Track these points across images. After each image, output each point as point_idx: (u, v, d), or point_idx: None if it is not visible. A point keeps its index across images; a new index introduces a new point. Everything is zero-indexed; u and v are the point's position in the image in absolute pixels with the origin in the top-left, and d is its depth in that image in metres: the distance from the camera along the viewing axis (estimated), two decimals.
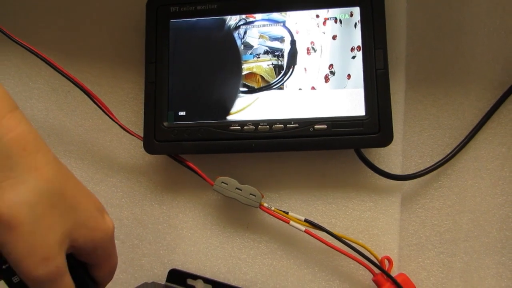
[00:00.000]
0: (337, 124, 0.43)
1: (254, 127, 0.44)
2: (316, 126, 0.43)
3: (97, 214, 0.32)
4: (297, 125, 0.43)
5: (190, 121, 0.45)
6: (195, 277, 0.46)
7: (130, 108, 0.49)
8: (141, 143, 0.48)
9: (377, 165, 0.44)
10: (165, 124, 0.45)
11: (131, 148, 0.49)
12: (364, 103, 0.43)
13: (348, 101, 0.43)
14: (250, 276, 0.46)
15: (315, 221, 0.44)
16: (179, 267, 0.47)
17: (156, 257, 0.47)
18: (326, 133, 0.43)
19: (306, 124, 0.43)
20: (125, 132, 0.49)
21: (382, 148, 0.46)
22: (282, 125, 0.43)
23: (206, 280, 0.46)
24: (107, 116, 0.49)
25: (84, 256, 0.32)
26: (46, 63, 0.44)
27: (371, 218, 0.45)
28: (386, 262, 0.44)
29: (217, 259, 0.47)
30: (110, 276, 0.35)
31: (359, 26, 0.44)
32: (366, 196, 0.46)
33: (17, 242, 0.28)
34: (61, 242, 0.29)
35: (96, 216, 0.32)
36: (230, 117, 0.45)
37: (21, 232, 0.28)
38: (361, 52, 0.43)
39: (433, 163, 0.46)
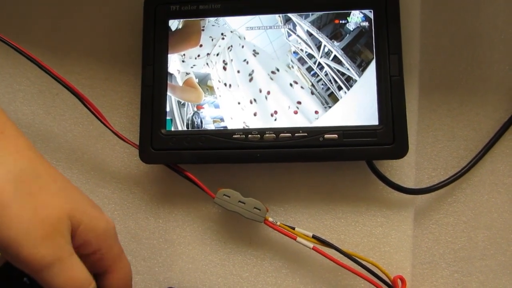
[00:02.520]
0: (348, 134, 0.40)
1: (259, 135, 0.41)
2: (326, 136, 0.40)
3: (95, 207, 0.30)
4: (305, 134, 0.40)
5: (190, 128, 0.42)
6: None
7: (125, 113, 0.46)
8: (136, 152, 0.45)
9: (389, 178, 0.42)
10: (163, 131, 0.42)
11: (125, 157, 0.45)
12: (377, 112, 0.40)
13: (360, 109, 0.41)
14: None
15: (323, 237, 0.41)
16: (176, 286, 0.43)
17: (151, 274, 0.44)
18: (337, 143, 0.40)
19: (316, 133, 0.40)
20: (118, 139, 0.45)
21: (394, 161, 0.43)
22: (290, 134, 0.40)
23: None
24: (99, 122, 0.45)
25: (89, 253, 0.29)
26: (33, 62, 0.41)
27: (382, 234, 0.42)
28: (399, 281, 0.41)
29: (217, 277, 0.43)
30: (125, 284, 0.32)
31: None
32: (377, 211, 0.43)
33: (10, 223, 0.25)
34: (60, 220, 0.27)
35: (93, 207, 0.30)
36: (233, 125, 0.42)
37: (11, 212, 0.25)
38: (373, 58, 0.41)
39: (447, 177, 0.43)
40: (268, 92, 0.42)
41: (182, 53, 0.43)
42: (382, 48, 0.41)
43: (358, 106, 0.41)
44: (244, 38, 0.43)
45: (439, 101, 0.44)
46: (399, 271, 0.42)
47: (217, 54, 0.43)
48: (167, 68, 0.43)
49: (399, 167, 0.43)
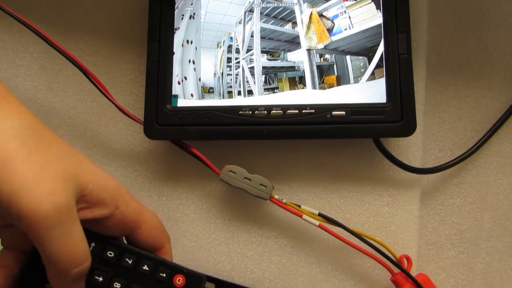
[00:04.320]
0: (356, 111, 0.40)
1: (266, 112, 0.40)
2: (334, 113, 0.40)
3: (99, 168, 0.29)
4: (313, 111, 0.40)
5: (195, 104, 0.41)
6: None
7: (128, 91, 0.45)
8: (139, 129, 0.44)
9: (396, 157, 0.42)
10: (168, 107, 0.41)
11: (128, 134, 0.45)
12: (385, 90, 0.40)
13: (367, 87, 0.40)
14: (257, 274, 0.42)
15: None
16: (180, 264, 0.42)
17: None
18: (345, 120, 0.40)
19: (323, 110, 0.40)
20: (122, 116, 0.44)
21: (401, 140, 0.43)
22: (297, 111, 0.40)
23: (209, 278, 0.41)
24: (102, 98, 0.45)
25: (110, 215, 0.28)
26: (37, 34, 0.40)
27: (388, 214, 0.42)
28: (405, 261, 0.41)
29: (221, 255, 0.43)
30: (159, 235, 0.31)
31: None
32: (384, 190, 0.42)
33: (14, 177, 0.24)
34: (65, 179, 0.26)
35: (98, 168, 0.29)
36: (240, 101, 0.41)
37: (15, 166, 0.24)
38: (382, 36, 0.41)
39: (453, 158, 0.43)
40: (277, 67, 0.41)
41: None
42: (390, 26, 0.41)
43: (366, 83, 0.40)
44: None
45: (446, 82, 0.44)
46: (405, 251, 0.41)
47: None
48: (173, 44, 0.42)
49: (406, 147, 0.43)
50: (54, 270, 0.26)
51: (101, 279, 0.29)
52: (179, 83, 0.42)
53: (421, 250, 0.42)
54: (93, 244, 0.29)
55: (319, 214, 0.41)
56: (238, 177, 0.41)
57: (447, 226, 0.43)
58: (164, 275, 0.30)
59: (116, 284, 0.29)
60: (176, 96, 0.42)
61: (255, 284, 0.42)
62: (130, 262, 0.29)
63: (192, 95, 0.42)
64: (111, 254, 0.29)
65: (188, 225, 0.43)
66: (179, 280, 0.30)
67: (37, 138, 0.26)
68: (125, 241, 0.32)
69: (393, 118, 0.39)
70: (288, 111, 0.40)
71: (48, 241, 0.24)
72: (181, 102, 0.42)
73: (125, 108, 0.42)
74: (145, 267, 0.30)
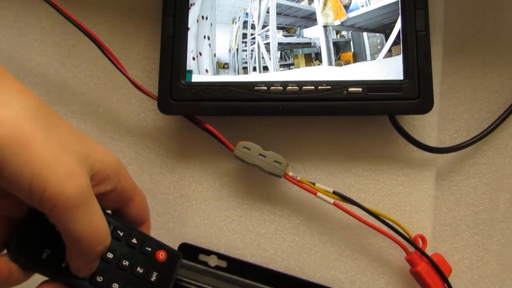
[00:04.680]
0: (373, 88, 0.39)
1: (282, 88, 0.40)
2: (350, 89, 0.39)
3: (100, 145, 0.29)
4: (329, 87, 0.39)
5: (210, 80, 0.41)
6: (208, 252, 0.42)
7: (142, 67, 0.45)
8: (152, 105, 0.44)
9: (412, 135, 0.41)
10: (183, 82, 0.41)
11: (141, 111, 0.44)
12: (402, 67, 0.40)
13: (384, 64, 0.40)
14: (269, 253, 0.42)
15: None
16: (191, 242, 0.42)
17: (165, 230, 0.43)
18: (361, 97, 0.39)
19: (340, 86, 0.39)
20: (135, 92, 0.44)
21: (416, 120, 0.42)
22: (313, 87, 0.40)
23: (221, 256, 0.41)
24: (115, 74, 0.44)
25: (111, 190, 0.29)
26: (53, 6, 0.40)
27: (403, 194, 0.42)
28: (420, 241, 0.40)
29: (233, 233, 0.42)
30: (145, 209, 0.32)
31: None
32: (399, 170, 0.42)
33: (35, 159, 0.24)
34: (80, 160, 0.25)
35: (99, 145, 0.29)
36: (255, 77, 0.41)
37: (34, 148, 0.24)
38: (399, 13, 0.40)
39: (469, 138, 0.43)
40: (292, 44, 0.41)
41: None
42: (408, 3, 0.40)
43: (382, 60, 0.40)
44: None
45: (462, 62, 0.44)
46: (420, 231, 0.41)
47: None
48: (187, 19, 0.42)
49: (421, 127, 0.42)
50: (77, 250, 0.26)
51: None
52: (193, 59, 0.41)
53: (435, 231, 0.42)
54: None
55: (334, 192, 0.40)
56: (253, 153, 0.40)
57: (462, 207, 0.43)
58: (149, 249, 0.32)
59: (109, 254, 0.30)
60: (190, 72, 0.41)
61: (268, 262, 0.42)
62: (121, 234, 0.31)
63: (207, 70, 0.41)
64: None
65: (200, 203, 0.43)
66: (161, 255, 0.32)
67: (47, 118, 0.26)
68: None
69: (410, 95, 0.39)
70: (304, 87, 0.40)
71: (73, 221, 0.24)
72: (196, 78, 0.41)
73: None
74: (134, 240, 0.31)
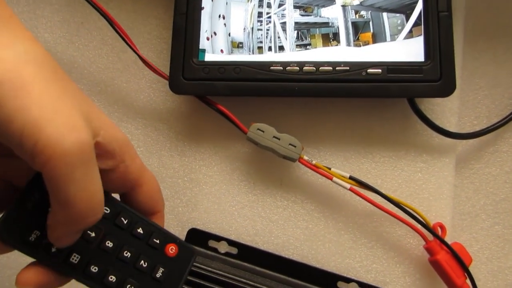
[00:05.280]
0: (393, 69, 0.38)
1: (298, 68, 0.38)
2: (370, 70, 0.38)
3: (106, 116, 0.26)
4: (347, 68, 0.38)
5: (224, 59, 0.40)
6: (218, 238, 0.40)
7: (153, 47, 0.43)
8: (162, 86, 0.43)
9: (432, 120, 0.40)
10: (195, 60, 0.39)
11: (150, 91, 0.43)
12: (423, 48, 0.38)
13: (405, 45, 0.39)
14: (281, 240, 0.40)
15: None
16: (200, 227, 0.41)
17: (174, 214, 0.41)
18: (381, 78, 0.38)
19: (358, 67, 0.38)
20: (145, 72, 0.43)
21: (436, 105, 0.41)
22: (331, 68, 0.38)
23: (231, 243, 0.40)
24: (125, 54, 0.44)
25: (113, 167, 0.26)
26: None
27: (422, 180, 0.40)
28: (439, 229, 0.39)
29: (245, 219, 0.41)
30: (156, 198, 0.29)
31: None
32: (417, 156, 0.41)
33: (31, 104, 0.21)
34: (84, 119, 0.22)
35: (105, 115, 0.26)
36: (270, 56, 0.39)
37: (31, 93, 0.21)
38: None
39: (490, 125, 0.41)
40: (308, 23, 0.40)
41: None
42: None
43: (403, 41, 0.39)
44: None
45: (484, 47, 0.43)
46: (438, 220, 0.39)
47: None
48: None
49: (441, 112, 0.41)
50: (64, 216, 0.22)
51: (93, 234, 0.27)
52: (208, 38, 0.40)
53: (454, 220, 0.41)
54: None
55: (350, 177, 0.39)
56: (267, 135, 0.39)
57: (482, 196, 0.41)
58: (158, 241, 0.28)
59: (108, 243, 0.27)
60: (203, 51, 0.40)
61: (280, 250, 0.40)
62: (125, 222, 0.28)
63: (222, 51, 0.40)
64: (107, 210, 0.27)
65: (210, 187, 0.41)
66: (171, 249, 0.28)
67: (53, 70, 0.24)
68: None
69: (432, 77, 0.38)
70: (321, 67, 0.38)
71: (67, 182, 0.21)
72: (209, 57, 0.40)
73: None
74: (140, 230, 0.28)
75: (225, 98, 0.40)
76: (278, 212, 0.41)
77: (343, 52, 0.39)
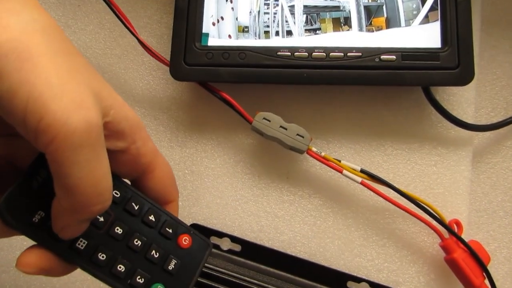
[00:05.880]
0: (408, 56, 0.36)
1: (307, 54, 0.36)
2: (383, 57, 0.36)
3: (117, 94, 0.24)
4: (360, 54, 0.36)
5: (228, 44, 0.37)
6: (220, 234, 0.38)
7: (153, 32, 0.41)
8: (162, 74, 0.41)
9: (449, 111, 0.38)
10: (198, 45, 0.37)
11: (150, 79, 0.41)
12: (440, 33, 0.36)
13: (420, 30, 0.36)
14: (288, 236, 0.38)
15: None
16: (201, 222, 0.38)
17: None
18: (395, 65, 0.36)
19: (371, 53, 0.36)
20: (144, 59, 0.41)
21: (451, 95, 0.39)
22: (342, 54, 0.36)
23: (234, 239, 0.38)
24: (123, 39, 0.41)
25: (124, 149, 0.24)
26: None
27: (436, 175, 0.38)
28: (455, 226, 0.37)
29: (249, 214, 0.38)
30: (170, 186, 0.27)
31: None
32: (432, 149, 0.38)
33: (37, 77, 0.19)
34: (93, 95, 0.21)
35: (116, 93, 0.24)
36: (277, 41, 0.37)
37: (38, 65, 0.19)
38: None
39: (507, 117, 0.39)
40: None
41: None
42: None
43: (418, 27, 0.36)
44: None
45: (501, 35, 0.40)
46: (454, 216, 0.37)
47: None
48: None
49: (457, 103, 0.39)
50: (69, 204, 0.21)
51: (102, 219, 0.25)
52: (213, 24, 0.38)
53: (470, 216, 0.38)
54: None
55: (362, 171, 0.36)
56: (273, 125, 0.37)
57: (500, 192, 0.39)
58: (170, 230, 0.26)
59: (117, 229, 0.25)
60: (206, 35, 0.38)
61: (286, 247, 0.38)
62: (136, 207, 0.26)
63: (229, 36, 0.38)
64: (117, 194, 0.25)
65: (213, 180, 0.39)
66: (185, 240, 0.26)
67: (62, 41, 0.22)
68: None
69: (449, 64, 0.35)
70: (332, 53, 0.36)
71: (72, 164, 0.19)
72: (213, 41, 0.38)
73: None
74: (151, 217, 0.26)
75: (229, 85, 0.38)
76: (284, 207, 0.38)
77: (355, 38, 0.37)
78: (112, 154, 0.23)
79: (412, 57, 0.36)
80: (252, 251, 0.37)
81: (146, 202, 0.26)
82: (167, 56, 0.38)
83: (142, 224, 0.26)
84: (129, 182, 0.27)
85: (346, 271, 0.37)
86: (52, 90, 0.19)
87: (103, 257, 0.24)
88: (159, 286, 0.25)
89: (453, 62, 0.35)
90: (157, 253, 0.25)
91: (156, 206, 0.26)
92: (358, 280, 0.37)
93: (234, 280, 0.36)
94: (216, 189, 0.39)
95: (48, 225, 0.23)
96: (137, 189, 0.26)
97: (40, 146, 0.19)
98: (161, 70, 0.40)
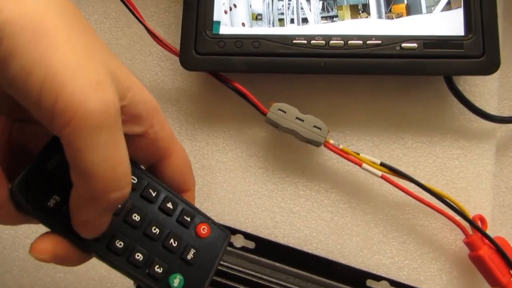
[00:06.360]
0: (430, 44, 0.34)
1: (324, 42, 0.35)
2: (404, 45, 0.34)
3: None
4: (379, 42, 0.34)
5: (241, 32, 0.36)
6: (233, 231, 0.36)
7: (160, 22, 0.40)
8: (171, 65, 0.39)
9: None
10: (209, 33, 0.35)
11: (158, 70, 0.39)
12: (463, 20, 0.34)
13: (442, 18, 0.35)
14: (304, 233, 0.36)
15: None
16: (213, 219, 0.36)
17: None
18: (416, 54, 0.34)
19: (392, 41, 0.34)
20: (151, 49, 0.39)
21: (474, 86, 0.37)
22: (361, 42, 0.34)
23: (248, 236, 0.36)
24: (129, 29, 0.40)
25: (142, 133, 0.23)
26: None
27: (458, 169, 0.36)
28: (479, 222, 0.35)
29: (263, 210, 0.37)
30: (186, 173, 0.26)
31: None
32: (454, 141, 0.37)
33: (51, 56, 0.18)
34: (110, 76, 0.19)
35: (133, 75, 0.23)
36: (293, 29, 0.35)
37: (54, 42, 0.18)
38: None
39: None
40: None
41: None
42: None
43: (440, 14, 0.35)
44: None
45: None
46: (477, 212, 0.36)
47: None
48: None
49: (479, 94, 0.37)
50: (87, 191, 0.19)
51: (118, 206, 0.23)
52: (226, 12, 0.36)
53: (493, 212, 0.37)
54: None
55: (382, 164, 0.35)
56: (289, 116, 0.35)
57: None
58: (188, 219, 0.25)
59: (134, 216, 0.24)
60: (218, 23, 0.36)
61: (302, 244, 0.36)
62: (153, 194, 0.24)
63: (243, 24, 0.36)
64: (134, 180, 0.24)
65: (225, 175, 0.37)
66: (203, 229, 0.25)
67: (77, 16, 0.20)
68: None
69: (474, 52, 0.34)
70: (350, 41, 0.34)
71: (89, 149, 0.18)
72: (225, 29, 0.36)
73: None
74: (169, 205, 0.25)
75: (242, 75, 0.36)
76: (300, 202, 0.37)
77: (374, 25, 0.35)
78: (129, 139, 0.22)
79: (435, 45, 0.34)
80: (267, 248, 0.36)
81: (163, 189, 0.25)
82: (176, 46, 0.36)
83: (160, 212, 0.25)
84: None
85: (365, 269, 0.35)
86: (69, 69, 0.18)
87: (120, 244, 0.23)
88: (178, 276, 0.24)
89: (477, 50, 0.34)
90: (176, 242, 0.24)
91: (174, 194, 0.25)
92: (378, 278, 0.35)
93: (248, 278, 0.34)
94: (228, 184, 0.37)
95: (63, 210, 0.22)
96: (154, 176, 0.25)
97: (55, 129, 0.18)
98: (170, 60, 0.39)
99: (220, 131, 0.38)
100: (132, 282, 0.32)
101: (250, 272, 0.35)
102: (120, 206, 0.23)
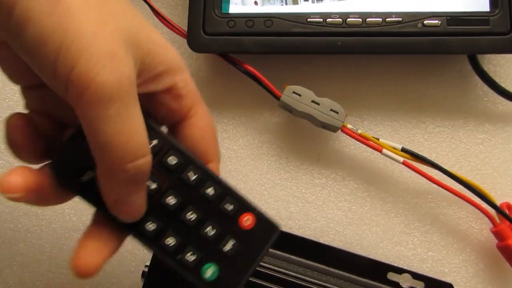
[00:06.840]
0: (454, 21, 0.32)
1: (341, 20, 0.33)
2: (426, 22, 0.32)
3: (159, 33, 0.22)
4: (400, 19, 0.32)
5: (252, 10, 0.34)
6: None
7: (166, 3, 0.38)
8: (178, 47, 0.37)
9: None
10: (218, 12, 0.33)
11: None
12: None
13: None
14: (320, 223, 0.34)
15: None
16: None
17: None
18: (440, 31, 0.32)
19: (413, 18, 0.32)
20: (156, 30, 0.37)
21: (499, 66, 0.35)
22: (380, 19, 0.32)
23: None
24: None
25: (163, 90, 0.22)
26: None
27: (484, 154, 0.34)
28: (506, 210, 0.33)
29: (276, 200, 0.35)
30: (210, 139, 0.24)
31: None
32: (478, 125, 0.35)
33: (67, 24, 0.18)
34: (127, 45, 0.19)
35: (158, 33, 0.22)
36: (307, 7, 0.33)
37: (69, 8, 0.18)
38: None
39: None
40: None
41: None
42: None
43: None
44: None
45: None
46: (504, 199, 0.34)
47: None
48: None
49: (505, 75, 0.35)
50: (104, 163, 0.19)
51: (154, 186, 0.22)
52: None
53: None
54: (154, 142, 0.22)
55: (403, 150, 0.33)
56: (304, 100, 0.33)
57: None
58: (231, 207, 0.23)
59: (170, 198, 0.22)
60: (227, 1, 0.34)
61: (318, 235, 0.34)
62: (193, 178, 0.22)
63: (256, 2, 0.34)
64: (174, 160, 0.22)
65: (235, 163, 0.35)
66: (247, 219, 0.23)
67: None
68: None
69: (500, 29, 0.32)
70: (369, 19, 0.32)
71: (102, 120, 0.18)
72: (234, 8, 0.34)
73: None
74: (210, 190, 0.23)
75: (253, 57, 0.34)
76: (316, 191, 0.35)
77: (393, 1, 0.33)
78: (150, 96, 0.22)
79: (459, 22, 0.32)
80: (282, 240, 0.34)
81: (206, 174, 0.23)
82: (183, 27, 0.34)
83: (200, 197, 0.23)
84: (166, 129, 0.24)
85: (386, 261, 0.33)
86: (85, 38, 0.18)
87: (152, 226, 0.22)
88: (212, 267, 0.22)
89: (504, 26, 0.32)
90: (213, 230, 0.22)
91: (218, 179, 0.23)
92: (399, 271, 0.33)
93: (262, 270, 0.32)
94: (240, 172, 0.35)
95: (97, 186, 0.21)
96: (197, 160, 0.23)
97: (70, 100, 0.18)
98: (176, 43, 0.37)
99: (230, 117, 0.36)
100: (139, 277, 0.31)
101: (265, 264, 0.33)
102: (156, 186, 0.22)
